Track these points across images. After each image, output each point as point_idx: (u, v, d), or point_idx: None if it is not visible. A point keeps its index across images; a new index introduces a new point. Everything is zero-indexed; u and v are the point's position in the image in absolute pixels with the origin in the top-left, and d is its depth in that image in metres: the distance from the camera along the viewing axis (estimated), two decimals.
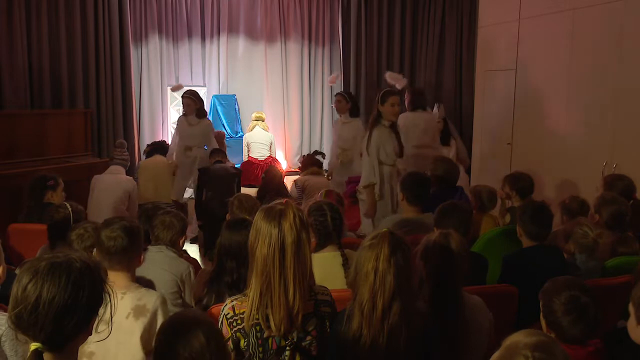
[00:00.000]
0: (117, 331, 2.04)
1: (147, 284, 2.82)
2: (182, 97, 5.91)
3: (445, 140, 6.95)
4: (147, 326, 2.17)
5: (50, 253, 1.43)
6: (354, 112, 5.78)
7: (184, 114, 5.90)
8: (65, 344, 1.38)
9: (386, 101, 4.41)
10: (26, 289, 1.34)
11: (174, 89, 6.75)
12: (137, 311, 2.18)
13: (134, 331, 2.16)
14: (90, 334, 1.45)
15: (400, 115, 5.75)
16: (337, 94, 5.97)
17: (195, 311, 1.67)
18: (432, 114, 5.90)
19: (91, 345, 2.07)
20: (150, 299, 2.22)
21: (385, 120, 4.42)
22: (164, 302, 2.25)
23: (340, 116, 5.89)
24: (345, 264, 2.67)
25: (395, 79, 5.66)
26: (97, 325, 1.49)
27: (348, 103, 5.74)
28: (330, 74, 8.67)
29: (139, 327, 2.16)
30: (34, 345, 1.33)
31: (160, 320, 2.19)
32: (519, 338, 1.39)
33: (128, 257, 2.29)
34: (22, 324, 1.34)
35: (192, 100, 5.79)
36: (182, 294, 2.97)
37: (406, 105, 5.71)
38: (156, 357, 1.53)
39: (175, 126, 7.14)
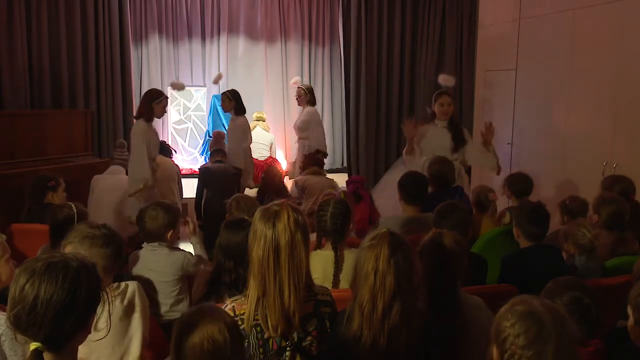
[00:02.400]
0: (111, 335, 2.04)
1: (147, 282, 2.82)
2: (165, 98, 4.84)
3: None
4: (142, 313, 2.28)
5: (48, 253, 1.44)
6: (238, 111, 5.79)
7: (148, 120, 4.68)
8: (65, 343, 1.39)
9: (436, 102, 4.81)
10: (24, 289, 1.34)
11: (176, 87, 6.32)
12: (128, 309, 2.26)
13: (132, 327, 2.25)
14: (90, 332, 1.46)
15: (309, 111, 6.18)
16: (222, 93, 5.94)
17: (219, 308, 1.67)
18: None
19: (83, 350, 2.08)
20: (130, 291, 2.31)
21: (438, 120, 4.79)
22: (139, 287, 2.36)
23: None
24: (337, 262, 2.65)
25: (445, 80, 5.79)
26: (96, 324, 1.49)
27: (231, 101, 5.76)
28: (331, 74, 8.67)
29: (137, 319, 2.26)
30: (33, 345, 1.34)
31: (138, 304, 2.30)
32: (499, 312, 1.53)
33: (111, 271, 2.35)
34: (21, 324, 1.35)
35: None
36: (192, 272, 2.98)
37: (305, 102, 6.19)
38: (174, 341, 1.52)
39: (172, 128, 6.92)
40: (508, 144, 6.16)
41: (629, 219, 3.23)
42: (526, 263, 2.79)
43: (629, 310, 1.92)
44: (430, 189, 3.77)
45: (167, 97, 4.99)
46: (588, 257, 2.84)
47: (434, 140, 4.76)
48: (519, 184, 3.87)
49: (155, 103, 4.68)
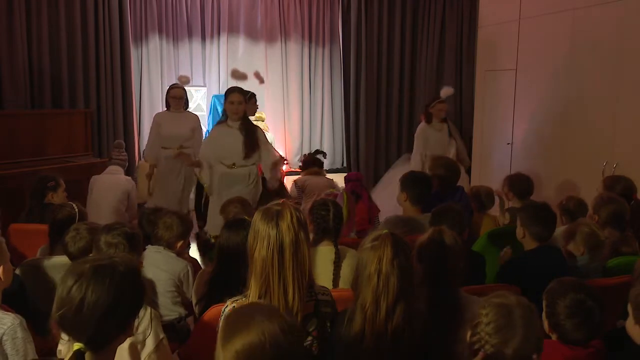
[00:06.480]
0: None
1: (148, 283, 2.82)
2: (171, 89, 5.31)
3: None
4: (133, 344, 1.99)
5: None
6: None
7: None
8: (107, 344, 1.42)
9: (226, 99, 4.38)
10: (71, 291, 1.38)
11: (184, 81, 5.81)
12: (146, 333, 2.03)
13: (121, 348, 2.00)
14: (130, 335, 1.50)
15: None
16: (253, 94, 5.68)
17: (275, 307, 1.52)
18: None
19: None
20: (140, 315, 2.04)
21: (230, 120, 4.33)
22: (155, 318, 2.09)
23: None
24: (337, 261, 2.68)
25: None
26: (137, 327, 1.51)
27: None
28: (331, 74, 8.65)
29: (126, 344, 1.93)
30: (76, 346, 1.36)
31: (149, 338, 2.04)
32: (480, 302, 1.68)
33: None
34: (66, 325, 1.38)
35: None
36: (183, 289, 2.96)
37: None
38: (222, 341, 1.35)
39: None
40: (508, 144, 6.17)
41: (629, 219, 3.24)
42: (530, 264, 2.78)
43: (629, 309, 1.92)
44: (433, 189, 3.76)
45: (175, 87, 5.35)
46: (592, 256, 2.83)
47: (223, 142, 4.31)
48: (521, 185, 3.86)
49: (167, 95, 5.31)
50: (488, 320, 1.59)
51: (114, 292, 1.38)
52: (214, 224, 4.31)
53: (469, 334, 1.65)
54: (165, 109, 5.43)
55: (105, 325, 1.38)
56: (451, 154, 6.18)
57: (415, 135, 5.76)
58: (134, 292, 1.45)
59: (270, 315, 1.34)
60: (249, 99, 5.44)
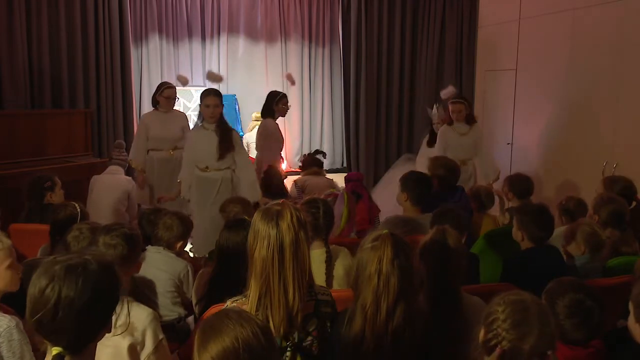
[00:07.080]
0: (104, 345, 1.96)
1: (148, 284, 2.83)
2: (166, 88, 5.08)
3: None
4: (133, 345, 2.03)
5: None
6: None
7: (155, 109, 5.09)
8: (86, 345, 1.39)
9: (202, 102, 4.26)
10: (44, 294, 1.33)
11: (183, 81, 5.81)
12: (124, 328, 2.00)
13: (120, 348, 2.01)
14: (110, 331, 1.46)
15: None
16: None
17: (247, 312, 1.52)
18: None
19: None
20: (140, 316, 2.06)
21: (206, 122, 4.24)
22: (154, 319, 2.11)
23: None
24: (329, 260, 2.67)
25: (214, 78, 5.43)
26: (116, 322, 1.49)
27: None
28: (331, 74, 8.66)
29: (125, 344, 2.02)
30: (55, 350, 1.33)
31: (149, 339, 2.06)
32: (493, 299, 1.67)
33: (126, 266, 2.23)
34: (43, 330, 1.35)
35: None
36: (183, 289, 2.97)
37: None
38: (199, 347, 1.38)
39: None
40: (508, 144, 6.17)
41: (629, 220, 3.24)
42: (528, 265, 2.77)
43: (630, 307, 1.91)
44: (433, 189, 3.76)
45: (170, 88, 5.20)
46: (593, 256, 2.83)
47: (199, 144, 4.24)
48: (521, 185, 3.87)
49: (158, 94, 5.12)
50: (505, 317, 1.59)
51: (89, 292, 1.34)
52: (199, 243, 4.16)
53: (482, 331, 1.64)
54: (153, 108, 5.21)
55: (82, 326, 1.34)
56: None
57: (437, 137, 5.43)
58: (109, 288, 1.40)
59: (242, 320, 1.38)
60: (280, 99, 5.32)
